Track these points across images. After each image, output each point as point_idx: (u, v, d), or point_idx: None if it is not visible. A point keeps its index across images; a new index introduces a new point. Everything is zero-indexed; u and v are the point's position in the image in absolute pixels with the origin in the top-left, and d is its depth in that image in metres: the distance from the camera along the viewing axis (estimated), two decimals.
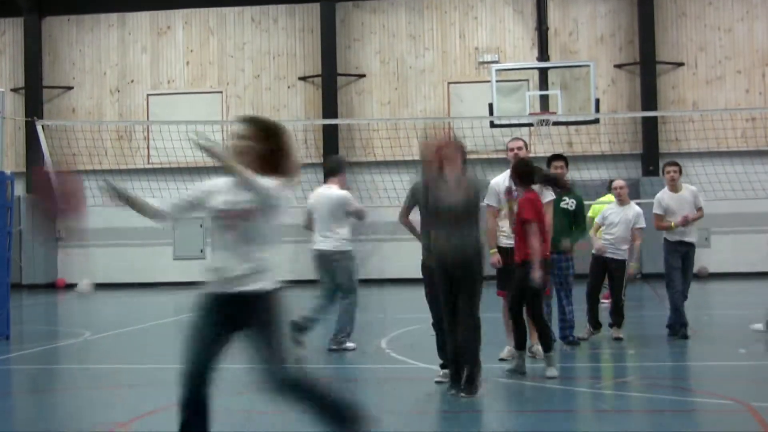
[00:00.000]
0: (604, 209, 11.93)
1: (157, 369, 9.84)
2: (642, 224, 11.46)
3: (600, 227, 11.74)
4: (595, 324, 11.43)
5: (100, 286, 25.02)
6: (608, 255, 11.41)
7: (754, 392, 7.97)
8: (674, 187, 11.48)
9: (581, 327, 11.24)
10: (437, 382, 8.31)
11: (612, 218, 11.49)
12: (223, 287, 4.97)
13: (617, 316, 11.38)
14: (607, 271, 11.54)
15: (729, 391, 8.06)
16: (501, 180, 9.68)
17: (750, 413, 7.06)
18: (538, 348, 9.35)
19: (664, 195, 11.54)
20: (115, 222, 25.13)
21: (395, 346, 11.23)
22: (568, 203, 10.52)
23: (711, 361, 10.32)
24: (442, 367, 8.41)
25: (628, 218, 11.38)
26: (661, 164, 23.61)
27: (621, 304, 11.37)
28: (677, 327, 11.29)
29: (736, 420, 7.00)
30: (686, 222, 11.28)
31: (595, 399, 8.12)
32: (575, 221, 10.57)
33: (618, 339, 11.17)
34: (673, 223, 11.33)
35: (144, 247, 25.42)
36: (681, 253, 11.43)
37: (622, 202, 11.59)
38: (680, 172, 11.61)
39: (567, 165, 10.64)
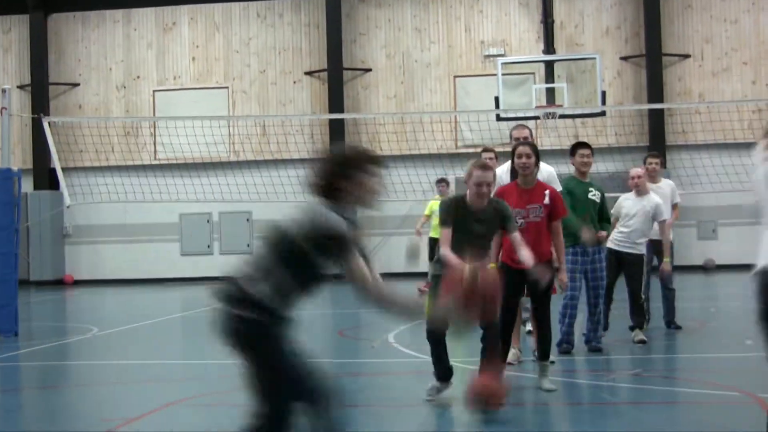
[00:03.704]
0: (619, 199, 10.93)
1: (165, 365, 9.81)
2: (663, 216, 10.59)
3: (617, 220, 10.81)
4: (605, 324, 10.59)
5: (107, 282, 25.13)
6: (623, 249, 10.51)
7: (761, 383, 7.97)
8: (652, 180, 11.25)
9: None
10: (428, 400, 7.51)
11: (628, 209, 10.57)
12: None
13: (638, 317, 10.52)
14: (623, 267, 10.56)
15: (736, 382, 8.06)
16: (500, 172, 9.24)
17: (758, 404, 7.06)
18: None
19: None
20: (123, 218, 25.25)
21: (403, 340, 11.24)
22: (595, 194, 9.73)
23: (717, 352, 10.32)
24: (442, 378, 7.55)
25: (647, 210, 10.47)
26: (668, 156, 23.69)
27: (641, 303, 10.49)
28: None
29: (744, 411, 7.01)
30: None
31: (601, 391, 8.12)
32: (601, 213, 9.80)
33: (641, 342, 10.33)
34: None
35: (151, 243, 25.44)
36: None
37: (639, 192, 10.62)
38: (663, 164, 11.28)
39: (593, 154, 9.81)
